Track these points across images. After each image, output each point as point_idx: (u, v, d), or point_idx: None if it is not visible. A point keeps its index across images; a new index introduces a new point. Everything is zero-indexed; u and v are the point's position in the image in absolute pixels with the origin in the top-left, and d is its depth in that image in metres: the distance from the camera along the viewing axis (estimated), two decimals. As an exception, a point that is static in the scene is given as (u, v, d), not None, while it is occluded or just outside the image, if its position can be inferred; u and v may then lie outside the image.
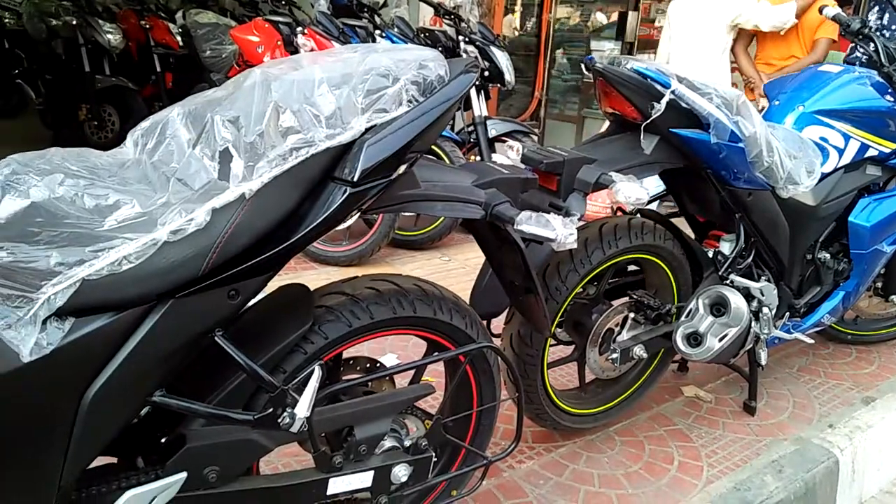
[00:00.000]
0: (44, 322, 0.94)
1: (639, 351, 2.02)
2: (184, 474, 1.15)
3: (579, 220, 1.55)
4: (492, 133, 3.86)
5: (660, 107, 1.74)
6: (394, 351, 2.62)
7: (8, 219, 0.90)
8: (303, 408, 1.19)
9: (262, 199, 1.05)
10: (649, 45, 7.12)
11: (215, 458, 1.20)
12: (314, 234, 1.10)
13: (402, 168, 1.16)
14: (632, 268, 2.20)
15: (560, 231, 1.24)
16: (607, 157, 1.78)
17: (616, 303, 2.09)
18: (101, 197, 0.96)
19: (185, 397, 1.15)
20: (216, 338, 1.12)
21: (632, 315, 2.04)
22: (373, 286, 1.39)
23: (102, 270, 0.96)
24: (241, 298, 1.10)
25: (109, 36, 4.93)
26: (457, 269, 3.71)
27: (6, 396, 0.94)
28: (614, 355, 2.00)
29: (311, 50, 3.42)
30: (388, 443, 1.43)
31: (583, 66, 1.84)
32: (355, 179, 1.09)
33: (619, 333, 2.03)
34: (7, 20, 6.77)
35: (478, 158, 3.93)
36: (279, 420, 1.19)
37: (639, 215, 2.06)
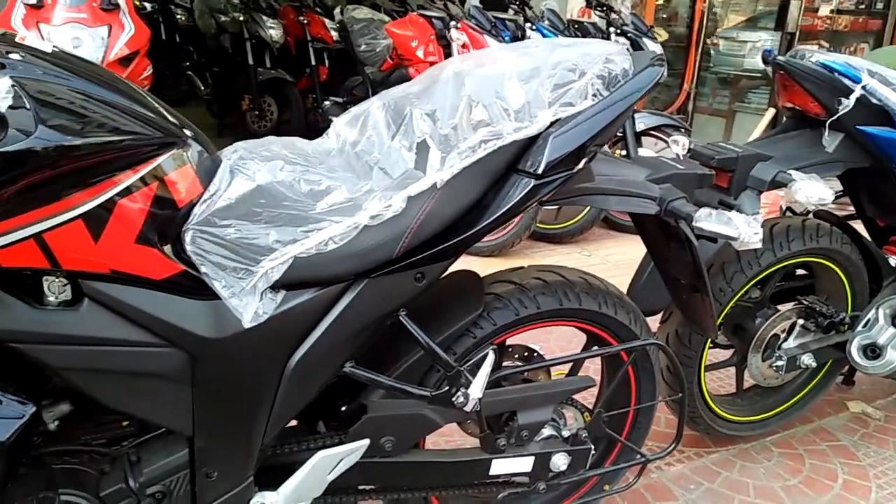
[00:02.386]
0: (261, 293, 1.04)
1: (807, 360, 1.92)
2: (367, 441, 1.24)
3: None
4: (639, 127, 3.77)
5: (848, 102, 1.63)
6: (536, 342, 2.64)
7: (237, 199, 1.01)
8: (477, 388, 1.24)
9: (451, 188, 1.11)
10: (811, 35, 6.63)
11: (391, 429, 1.28)
12: (496, 224, 1.14)
13: (584, 161, 1.17)
14: (799, 272, 2.09)
15: (744, 230, 1.20)
16: (784, 154, 1.70)
17: (782, 308, 1.99)
18: (315, 182, 1.05)
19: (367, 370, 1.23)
20: (401, 317, 1.19)
21: (801, 321, 1.93)
22: (540, 276, 1.42)
23: (311, 249, 1.05)
24: (425, 281, 1.16)
25: (272, 31, 5.28)
26: (597, 264, 3.67)
27: (229, 357, 1.05)
28: (780, 362, 1.91)
29: (464, 44, 3.49)
30: (546, 431, 1.45)
31: (760, 58, 1.76)
32: (540, 172, 1.11)
33: (786, 340, 1.94)
34: (179, 16, 7.42)
35: (623, 153, 3.86)
36: (453, 398, 1.24)
37: (811, 216, 1.95)
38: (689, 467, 2.04)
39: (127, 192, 0.93)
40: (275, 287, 1.06)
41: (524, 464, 1.41)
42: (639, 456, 1.58)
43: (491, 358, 1.26)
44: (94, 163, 0.89)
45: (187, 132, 1.03)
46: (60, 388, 1.13)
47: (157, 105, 1.03)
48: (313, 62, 5.60)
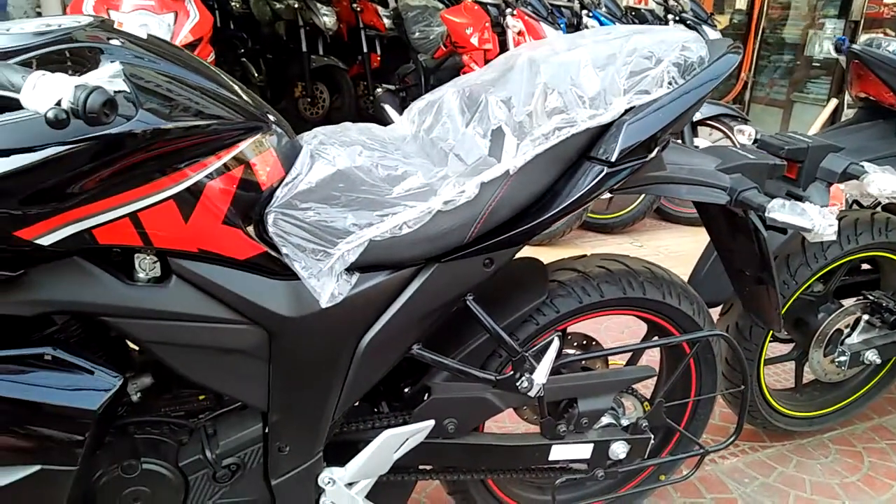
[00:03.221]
0: (337, 275, 1.07)
1: (871, 356, 1.88)
2: (432, 422, 1.26)
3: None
4: (696, 116, 3.70)
5: (927, 92, 1.58)
6: (587, 331, 2.63)
7: (317, 183, 1.04)
8: (541, 374, 1.25)
9: (523, 175, 1.12)
10: (876, 23, 6.38)
11: (454, 411, 1.30)
12: (567, 211, 1.15)
13: (657, 150, 1.17)
14: (864, 266, 2.04)
15: (818, 221, 1.18)
16: (856, 145, 1.66)
17: (846, 302, 1.95)
18: (392, 168, 1.07)
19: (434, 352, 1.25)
20: (467, 302, 1.21)
21: (865, 317, 1.89)
22: (604, 265, 1.42)
23: (386, 233, 1.07)
24: (494, 267, 1.18)
25: (326, 18, 5.33)
26: (649, 255, 3.63)
27: (305, 335, 1.09)
28: (843, 358, 1.87)
29: (520, 32, 3.47)
30: (605, 419, 1.46)
31: (832, 47, 1.72)
32: (613, 159, 1.11)
33: (850, 335, 1.90)
34: (234, 3, 7.53)
35: (678, 142, 3.79)
36: (517, 383, 1.26)
37: (880, 209, 1.90)
38: (743, 461, 2.03)
39: (215, 174, 0.97)
40: (350, 269, 1.09)
41: (583, 450, 1.42)
42: (697, 447, 1.57)
43: (556, 344, 1.27)
44: (186, 145, 0.93)
45: (270, 117, 1.06)
46: (142, 362, 1.18)
47: (241, 90, 1.06)
48: (365, 49, 5.64)
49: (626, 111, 1.13)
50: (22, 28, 0.92)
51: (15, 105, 0.79)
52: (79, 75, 0.77)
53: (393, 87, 4.50)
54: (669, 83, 1.14)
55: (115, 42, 0.93)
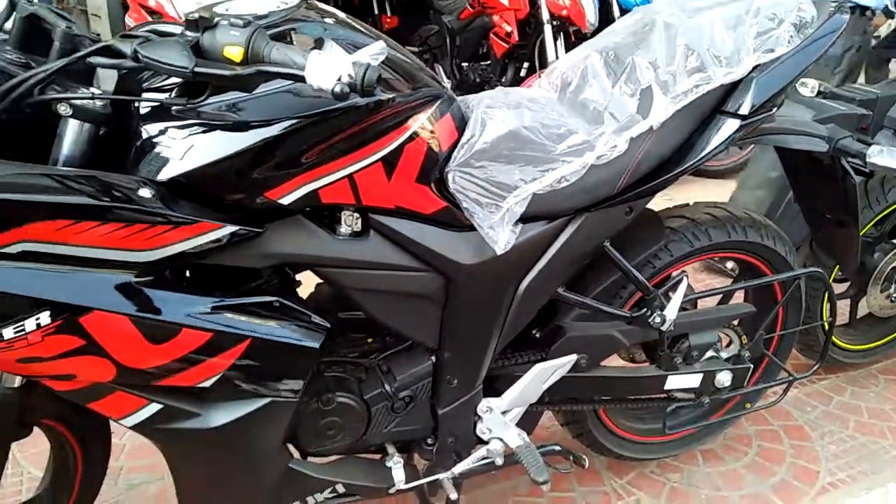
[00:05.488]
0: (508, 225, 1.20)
1: (926, 290, 2.04)
2: (575, 356, 1.41)
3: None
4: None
5: None
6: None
7: (492, 143, 1.15)
8: (672, 310, 1.40)
9: (665, 130, 1.25)
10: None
11: (587, 348, 1.44)
12: (702, 161, 1.28)
13: (780, 104, 1.30)
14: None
15: (917, 164, 1.32)
16: (920, 95, 1.79)
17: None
18: (555, 127, 1.19)
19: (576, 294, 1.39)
20: (606, 247, 1.35)
21: (921, 254, 2.05)
22: (709, 212, 1.55)
23: (547, 187, 1.20)
24: (632, 215, 1.32)
25: (340, -19, 5.30)
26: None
27: (477, 281, 1.22)
28: (899, 293, 2.04)
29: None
30: (710, 352, 1.61)
31: (890, 4, 1.84)
32: (746, 113, 1.24)
33: (906, 272, 2.05)
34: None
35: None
36: (650, 319, 1.40)
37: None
38: (803, 392, 2.19)
39: (412, 137, 1.09)
40: (516, 220, 1.21)
41: (693, 380, 1.57)
42: (786, 375, 1.73)
43: (685, 283, 1.41)
44: (393, 112, 1.05)
45: (445, 84, 1.17)
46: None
47: (419, 61, 1.17)
48: (376, 11, 5.65)
49: (754, 68, 1.26)
50: (238, 10, 1.02)
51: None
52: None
53: (416, 49, 4.53)
54: (789, 41, 1.27)
55: (329, 21, 1.03)
